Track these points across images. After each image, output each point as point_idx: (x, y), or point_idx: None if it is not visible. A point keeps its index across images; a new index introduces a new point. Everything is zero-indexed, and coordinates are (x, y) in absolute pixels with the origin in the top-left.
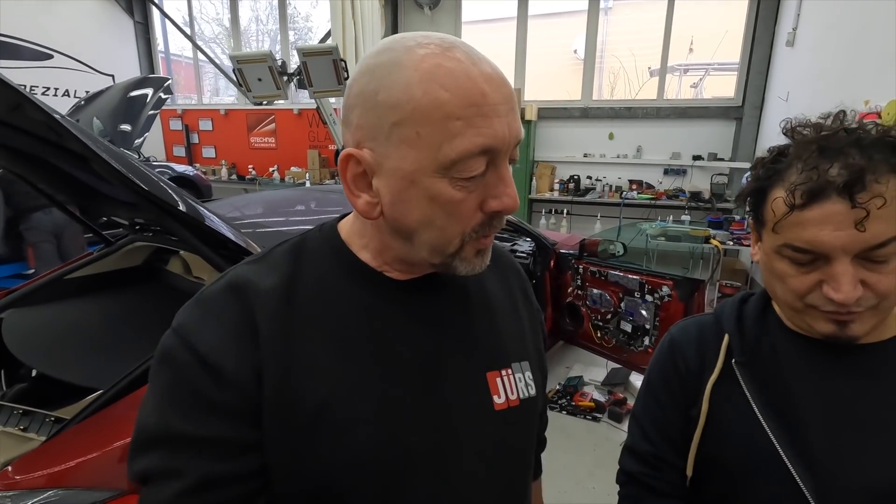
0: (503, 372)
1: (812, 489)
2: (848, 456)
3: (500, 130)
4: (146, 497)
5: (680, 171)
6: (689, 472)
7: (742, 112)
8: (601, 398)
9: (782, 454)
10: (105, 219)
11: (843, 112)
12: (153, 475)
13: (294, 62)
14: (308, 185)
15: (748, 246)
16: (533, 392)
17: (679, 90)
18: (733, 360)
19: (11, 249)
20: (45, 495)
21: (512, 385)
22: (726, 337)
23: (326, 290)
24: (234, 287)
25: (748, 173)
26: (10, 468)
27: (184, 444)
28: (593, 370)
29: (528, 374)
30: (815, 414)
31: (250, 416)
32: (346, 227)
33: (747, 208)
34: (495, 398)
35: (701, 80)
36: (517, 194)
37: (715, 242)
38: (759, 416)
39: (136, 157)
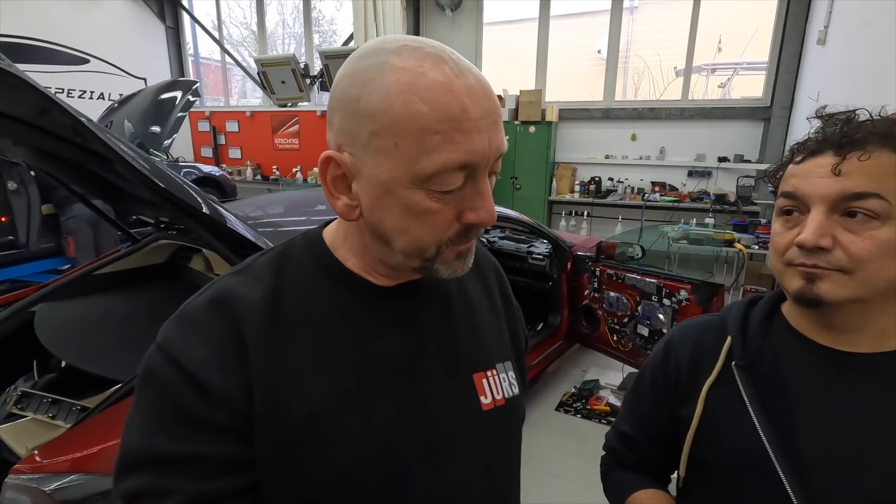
0: (488, 373)
1: (801, 500)
2: (843, 468)
3: (479, 146)
4: None
5: (704, 173)
6: (681, 473)
7: (770, 112)
8: (617, 402)
9: (774, 461)
10: (134, 217)
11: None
12: (142, 495)
13: (318, 65)
14: None
15: None
16: (517, 391)
17: (706, 90)
18: (733, 363)
19: (51, 244)
20: (68, 479)
21: (497, 385)
22: (728, 339)
23: (310, 298)
24: (218, 301)
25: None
26: (36, 453)
27: (173, 464)
28: (609, 374)
29: (511, 373)
30: (813, 422)
31: (241, 432)
32: (330, 234)
33: (770, 187)
34: (482, 399)
35: (729, 80)
36: (494, 207)
37: (739, 246)
38: (755, 421)
39: (166, 157)
